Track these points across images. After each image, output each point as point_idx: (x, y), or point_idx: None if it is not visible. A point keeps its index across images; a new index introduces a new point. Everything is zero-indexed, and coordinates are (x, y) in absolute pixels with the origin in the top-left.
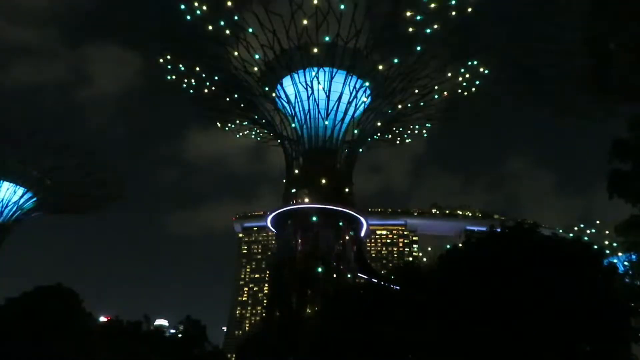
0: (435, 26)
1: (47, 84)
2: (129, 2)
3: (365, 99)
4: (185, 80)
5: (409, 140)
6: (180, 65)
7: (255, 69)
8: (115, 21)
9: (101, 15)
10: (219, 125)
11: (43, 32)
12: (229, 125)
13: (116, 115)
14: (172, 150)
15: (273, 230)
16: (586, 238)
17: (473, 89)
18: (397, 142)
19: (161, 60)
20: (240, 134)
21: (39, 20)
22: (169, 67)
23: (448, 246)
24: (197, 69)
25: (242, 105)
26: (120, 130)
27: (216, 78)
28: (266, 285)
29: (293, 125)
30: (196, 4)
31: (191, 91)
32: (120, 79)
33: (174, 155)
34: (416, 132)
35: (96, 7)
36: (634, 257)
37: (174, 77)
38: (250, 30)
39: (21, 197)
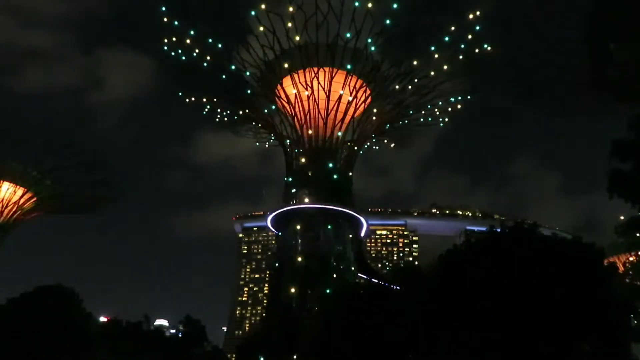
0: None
1: (60, 88)
2: (142, 8)
3: (365, 99)
4: (186, 81)
5: (409, 140)
6: (182, 57)
7: (255, 69)
8: (128, 27)
9: (116, 21)
10: (219, 125)
11: (58, 37)
12: (230, 125)
13: (128, 118)
14: (181, 152)
15: (273, 230)
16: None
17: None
18: (398, 142)
19: (165, 48)
20: (241, 134)
21: (54, 25)
22: (172, 53)
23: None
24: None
25: (242, 105)
26: (131, 133)
27: (216, 78)
28: (266, 285)
29: (293, 125)
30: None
31: (191, 91)
32: (133, 83)
33: (183, 157)
34: (417, 132)
35: (111, 13)
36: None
37: (174, 75)
38: (250, 30)
39: (21, 197)
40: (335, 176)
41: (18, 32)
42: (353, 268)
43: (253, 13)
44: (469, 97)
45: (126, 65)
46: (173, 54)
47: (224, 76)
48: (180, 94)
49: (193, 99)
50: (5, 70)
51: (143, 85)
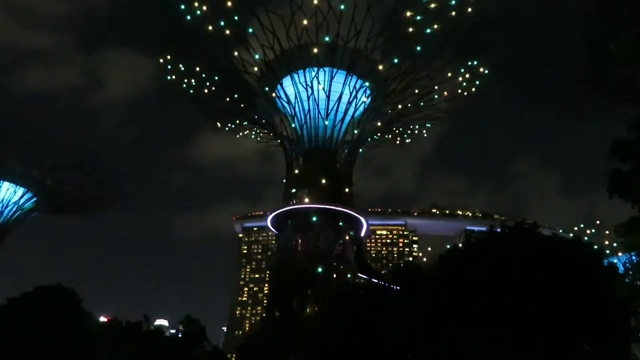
0: (435, 26)
1: (62, 88)
2: (142, 7)
3: (365, 99)
4: (186, 81)
5: (409, 140)
6: (181, 66)
7: (255, 69)
8: (129, 27)
9: (116, 21)
10: (218, 125)
11: (58, 37)
12: (229, 125)
13: (128, 119)
14: (182, 153)
15: (273, 230)
16: (586, 238)
17: (473, 89)
18: (398, 142)
19: (161, 61)
20: (241, 134)
21: (54, 26)
22: (169, 67)
23: (448, 246)
24: (197, 69)
25: (242, 105)
26: (131, 133)
27: (216, 78)
28: (266, 285)
29: (293, 125)
30: (196, 4)
31: (191, 91)
32: (134, 83)
33: (184, 158)
34: (416, 132)
35: (112, 13)
36: (634, 257)
37: (174, 77)
38: (250, 30)
39: (21, 197)
40: (335, 176)
41: (19, 32)
42: (353, 268)
43: (253, 13)
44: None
45: (126, 65)
46: (169, 57)
47: (223, 76)
48: (184, 94)
49: (193, 99)
50: (6, 70)
51: (143, 85)
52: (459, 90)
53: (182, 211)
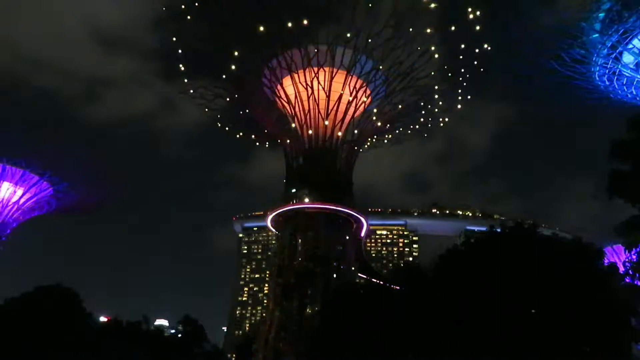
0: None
1: (137, 114)
2: None
3: (365, 99)
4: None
5: (409, 140)
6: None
7: (256, 69)
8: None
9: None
10: (219, 125)
11: (143, 64)
12: (229, 125)
13: (195, 142)
14: (235, 171)
15: (273, 230)
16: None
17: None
18: (397, 142)
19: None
20: (241, 133)
21: (140, 52)
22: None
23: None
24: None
25: (242, 105)
26: (193, 154)
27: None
28: (266, 285)
29: (293, 125)
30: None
31: (191, 91)
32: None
33: (239, 176)
34: (416, 132)
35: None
36: (634, 257)
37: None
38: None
39: (21, 197)
40: (335, 176)
41: (103, 59)
42: (353, 268)
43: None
44: (469, 97)
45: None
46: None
47: (223, 77)
48: (182, 91)
49: (192, 96)
50: (85, 99)
51: (217, 109)
52: (459, 90)
53: (182, 210)
